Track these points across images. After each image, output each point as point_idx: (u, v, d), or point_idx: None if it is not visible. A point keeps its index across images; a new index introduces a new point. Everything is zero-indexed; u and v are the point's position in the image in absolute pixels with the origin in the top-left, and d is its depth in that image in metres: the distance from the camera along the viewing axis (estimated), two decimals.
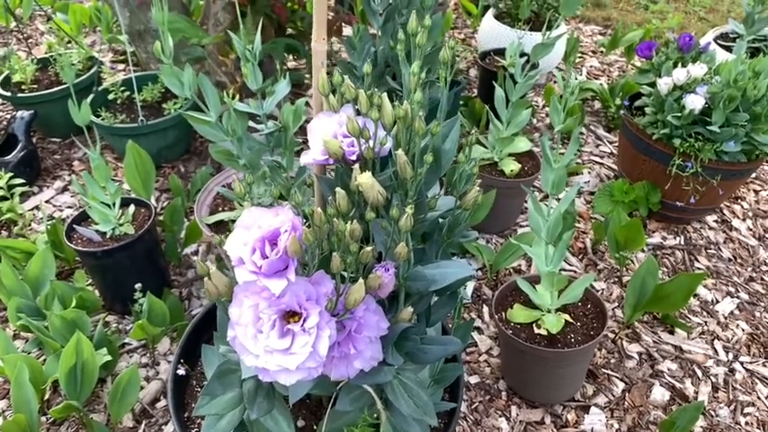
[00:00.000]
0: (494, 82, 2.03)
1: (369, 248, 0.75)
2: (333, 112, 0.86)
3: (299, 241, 0.71)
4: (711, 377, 1.76)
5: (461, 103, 2.76)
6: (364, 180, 0.76)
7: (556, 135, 1.37)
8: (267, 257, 0.72)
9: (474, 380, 1.72)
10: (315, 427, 1.25)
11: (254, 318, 0.75)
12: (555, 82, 3.11)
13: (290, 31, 2.56)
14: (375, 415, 1.12)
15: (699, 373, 1.77)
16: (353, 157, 0.82)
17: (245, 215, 0.74)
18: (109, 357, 1.56)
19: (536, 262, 1.52)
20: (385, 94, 0.79)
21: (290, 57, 2.94)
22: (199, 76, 1.32)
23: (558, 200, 1.52)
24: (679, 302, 1.72)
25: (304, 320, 0.74)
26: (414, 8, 1.84)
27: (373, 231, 0.87)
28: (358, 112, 0.87)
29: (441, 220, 1.00)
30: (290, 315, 0.76)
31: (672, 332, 1.87)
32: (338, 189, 0.79)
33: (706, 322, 1.91)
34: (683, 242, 2.19)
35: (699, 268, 2.10)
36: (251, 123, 1.47)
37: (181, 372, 1.33)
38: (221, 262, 1.91)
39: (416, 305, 0.98)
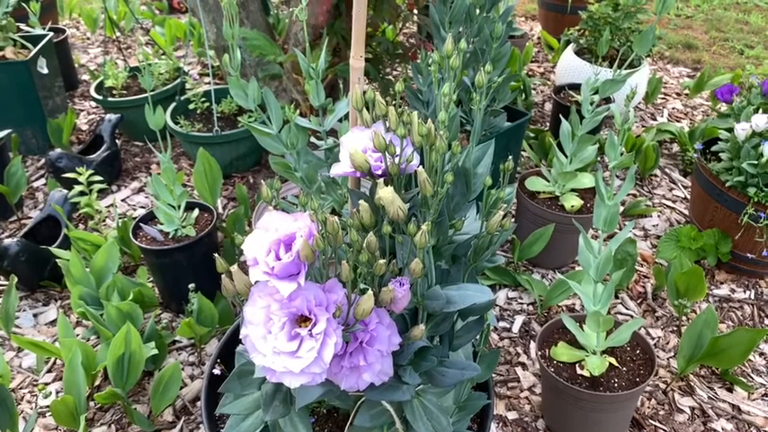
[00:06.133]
0: (560, 115, 2.01)
1: (382, 261, 0.76)
2: (366, 128, 0.88)
3: (311, 247, 0.73)
4: None
5: (533, 135, 2.74)
6: (385, 194, 0.77)
7: (609, 171, 1.34)
8: (280, 259, 0.74)
9: (512, 416, 1.68)
10: None
11: (266, 318, 0.77)
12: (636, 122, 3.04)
13: (368, 55, 2.62)
14: None
15: None
16: (379, 172, 0.83)
17: (266, 218, 0.76)
18: (156, 351, 1.62)
19: (583, 300, 1.48)
20: (415, 113, 0.81)
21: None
22: (263, 89, 1.38)
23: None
24: (737, 358, 1.63)
25: (313, 326, 0.76)
26: (484, 37, 1.86)
27: (397, 247, 0.88)
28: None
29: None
30: (302, 320, 0.78)
31: (730, 390, 1.77)
32: (361, 202, 0.81)
33: None
34: (753, 297, 2.07)
35: None
36: (313, 140, 1.52)
37: (216, 371, 1.37)
38: None
39: (439, 326, 0.98)
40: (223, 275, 0.80)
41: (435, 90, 0.84)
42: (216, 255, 0.81)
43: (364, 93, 0.90)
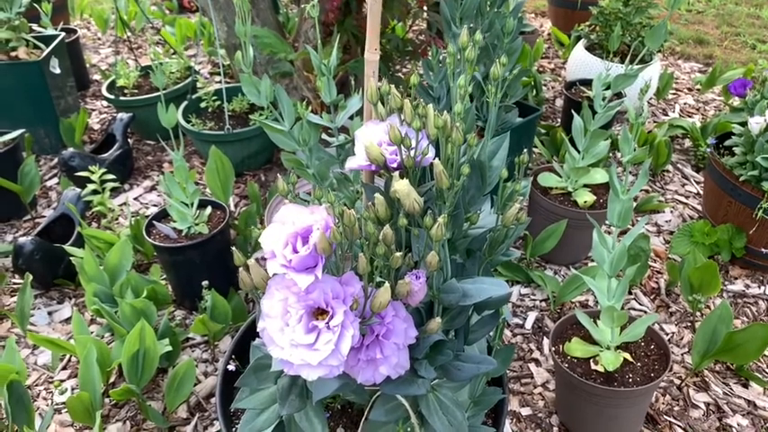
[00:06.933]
0: (572, 111, 2.00)
1: (398, 254, 0.76)
2: (381, 121, 0.88)
3: (328, 239, 0.73)
4: None
5: (544, 131, 2.73)
6: (400, 187, 0.77)
7: (622, 167, 1.33)
8: (298, 252, 0.74)
9: (526, 412, 1.68)
10: None
11: (283, 311, 0.77)
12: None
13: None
14: (409, 429, 1.12)
15: None
16: (395, 165, 0.83)
17: (283, 211, 0.77)
18: (170, 348, 1.63)
19: (597, 296, 1.47)
20: (430, 105, 0.81)
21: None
22: (275, 86, 1.38)
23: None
24: (752, 354, 1.62)
25: (330, 318, 0.76)
26: (495, 32, 1.85)
27: (413, 240, 0.88)
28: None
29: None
30: (319, 312, 0.78)
31: (746, 385, 1.76)
32: (377, 195, 0.81)
33: None
34: (767, 292, 2.05)
35: None
36: (324, 136, 1.52)
37: (231, 367, 1.38)
38: None
39: (454, 320, 0.98)
40: (240, 269, 0.80)
41: (450, 83, 0.84)
42: (234, 248, 0.81)
43: (379, 87, 0.90)
